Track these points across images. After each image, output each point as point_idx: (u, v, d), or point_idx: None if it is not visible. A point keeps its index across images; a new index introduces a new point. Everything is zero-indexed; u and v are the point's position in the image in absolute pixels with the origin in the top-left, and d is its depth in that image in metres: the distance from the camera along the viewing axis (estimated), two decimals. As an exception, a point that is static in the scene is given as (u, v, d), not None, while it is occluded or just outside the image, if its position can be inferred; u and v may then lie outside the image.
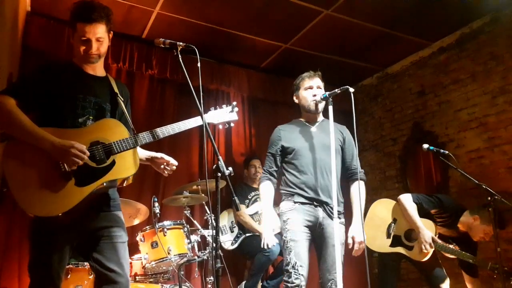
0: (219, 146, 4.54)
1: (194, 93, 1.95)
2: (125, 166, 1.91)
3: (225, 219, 4.12)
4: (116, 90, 2.11)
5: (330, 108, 2.49)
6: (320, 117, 2.74)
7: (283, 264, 2.51)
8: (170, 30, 4.08)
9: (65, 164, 1.77)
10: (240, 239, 3.97)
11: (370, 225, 3.22)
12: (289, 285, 2.39)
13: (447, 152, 3.09)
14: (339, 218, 2.39)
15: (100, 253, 1.92)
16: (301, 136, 2.65)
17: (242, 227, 3.99)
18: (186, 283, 2.93)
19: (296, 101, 2.76)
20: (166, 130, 2.02)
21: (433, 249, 2.99)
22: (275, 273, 3.93)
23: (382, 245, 3.18)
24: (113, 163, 1.89)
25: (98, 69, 2.08)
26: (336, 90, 2.48)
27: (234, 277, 4.12)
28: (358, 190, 2.56)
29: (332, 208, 2.41)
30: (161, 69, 4.23)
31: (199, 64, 1.97)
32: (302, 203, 2.51)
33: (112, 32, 2.07)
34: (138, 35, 4.09)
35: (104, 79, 2.11)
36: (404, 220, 3.16)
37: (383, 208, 3.29)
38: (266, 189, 2.62)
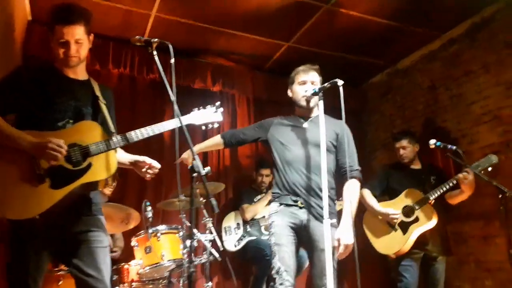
0: (224, 149, 4.47)
1: (170, 92, 1.90)
2: (101, 169, 1.87)
3: (232, 220, 4.06)
4: (98, 93, 2.07)
5: (321, 103, 2.37)
6: (314, 113, 2.60)
7: None
8: (169, 33, 4.03)
9: (40, 165, 1.73)
10: (244, 241, 3.89)
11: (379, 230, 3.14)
12: None
13: (454, 147, 2.92)
14: (331, 219, 2.22)
15: (79, 258, 1.88)
16: (290, 131, 2.55)
17: (247, 230, 3.91)
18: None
19: (290, 95, 2.65)
20: (140, 133, 1.98)
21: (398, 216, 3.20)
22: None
23: (399, 241, 3.10)
24: (89, 165, 1.85)
25: (79, 73, 2.06)
26: (326, 84, 2.36)
27: (240, 281, 4.03)
28: (349, 189, 2.43)
29: (322, 209, 2.23)
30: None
31: (172, 61, 1.93)
32: (287, 205, 2.40)
33: (92, 34, 2.05)
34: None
35: (85, 83, 2.08)
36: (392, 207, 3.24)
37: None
38: (213, 139, 2.76)
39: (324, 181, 2.17)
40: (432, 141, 3.06)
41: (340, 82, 2.28)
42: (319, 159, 2.23)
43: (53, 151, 1.72)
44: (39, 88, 1.88)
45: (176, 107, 1.89)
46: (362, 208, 3.53)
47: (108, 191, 3.48)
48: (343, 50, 4.51)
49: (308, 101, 2.52)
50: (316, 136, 2.40)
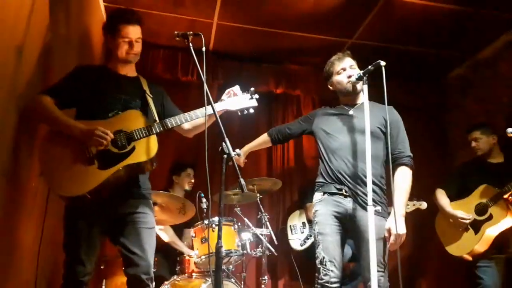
0: (288, 149, 4.49)
1: (205, 83, 2.00)
2: (142, 152, 2.05)
3: (296, 218, 4.05)
4: (146, 88, 2.28)
5: (365, 87, 2.30)
6: (360, 99, 2.51)
7: (357, 267, 2.35)
8: (233, 39, 4.24)
9: (90, 149, 1.96)
10: (310, 241, 3.83)
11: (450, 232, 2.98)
12: (318, 281, 2.22)
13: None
14: (375, 206, 2.11)
15: (126, 237, 2.06)
16: (335, 119, 2.50)
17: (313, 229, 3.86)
18: (231, 279, 2.91)
19: (332, 88, 2.61)
20: (175, 121, 2.14)
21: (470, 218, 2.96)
22: (351, 276, 3.69)
23: (471, 241, 2.88)
24: (133, 149, 2.04)
25: (129, 71, 2.30)
26: (369, 67, 2.28)
27: (306, 280, 3.96)
28: (400, 177, 2.31)
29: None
30: (227, 80, 4.37)
31: (203, 48, 2.02)
32: (331, 193, 2.35)
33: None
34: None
35: (135, 79, 2.31)
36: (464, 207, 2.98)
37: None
38: (263, 136, 2.79)
39: (368, 165, 2.10)
40: (510, 130, 2.74)
41: (382, 63, 2.19)
42: (365, 146, 2.15)
43: (99, 137, 1.94)
44: (93, 85, 2.14)
45: (208, 93, 1.99)
46: (436, 209, 3.30)
47: (188, 186, 3.72)
48: (413, 43, 4.27)
49: (354, 86, 2.46)
50: (363, 123, 2.30)
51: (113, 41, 2.21)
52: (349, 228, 2.32)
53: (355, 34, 4.12)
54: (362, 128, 2.34)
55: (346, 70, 2.49)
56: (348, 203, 2.30)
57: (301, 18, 3.87)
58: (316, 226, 2.36)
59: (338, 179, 2.35)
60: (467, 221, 2.93)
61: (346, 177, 2.33)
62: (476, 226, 2.89)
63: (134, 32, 2.18)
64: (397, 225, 2.17)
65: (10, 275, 1.93)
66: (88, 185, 1.92)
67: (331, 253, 2.25)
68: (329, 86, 2.62)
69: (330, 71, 2.57)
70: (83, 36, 3.02)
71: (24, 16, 1.90)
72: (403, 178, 2.32)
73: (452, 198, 3.17)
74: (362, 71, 2.34)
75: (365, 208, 2.20)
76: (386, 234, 2.23)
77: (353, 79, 2.42)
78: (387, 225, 2.24)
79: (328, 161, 2.42)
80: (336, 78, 2.53)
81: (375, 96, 2.46)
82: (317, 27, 4.03)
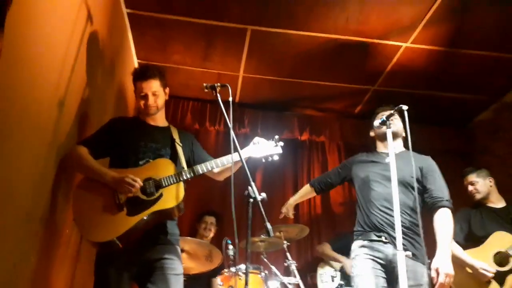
0: (315, 197, 4.46)
1: (231, 130, 2.08)
2: (170, 198, 2.11)
3: (326, 266, 3.93)
4: (175, 137, 2.39)
5: (389, 131, 2.33)
6: (397, 148, 2.54)
7: None
8: (257, 91, 4.41)
9: (120, 196, 2.04)
10: (341, 291, 3.70)
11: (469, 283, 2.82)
12: None
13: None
14: (410, 252, 2.06)
15: (154, 284, 2.08)
16: (371, 167, 2.55)
17: (345, 278, 3.73)
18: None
19: (372, 135, 2.72)
20: (201, 168, 2.21)
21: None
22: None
23: None
24: (161, 195, 2.11)
25: (159, 121, 2.42)
26: (391, 111, 2.33)
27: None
28: (441, 218, 2.32)
29: (409, 244, 2.22)
30: (252, 128, 4.53)
31: (230, 98, 2.11)
32: (371, 241, 2.35)
33: (167, 88, 2.41)
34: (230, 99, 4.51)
35: (165, 129, 2.43)
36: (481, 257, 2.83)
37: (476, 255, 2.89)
38: (305, 187, 2.87)
39: (396, 206, 2.07)
40: None
41: (405, 107, 2.24)
42: (403, 196, 2.23)
43: (128, 184, 2.03)
44: (126, 134, 2.27)
45: (235, 140, 2.06)
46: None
47: (205, 238, 3.74)
48: (437, 88, 4.32)
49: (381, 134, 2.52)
50: (400, 172, 2.35)
51: (135, 97, 2.37)
52: (389, 274, 2.30)
53: (377, 81, 4.21)
54: (399, 177, 2.36)
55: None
56: (387, 249, 2.30)
57: (323, 68, 4.02)
58: (354, 269, 2.35)
59: (376, 228, 2.38)
60: (490, 275, 2.76)
61: (385, 225, 2.36)
62: (500, 278, 2.73)
63: (147, 87, 2.28)
64: (444, 263, 2.18)
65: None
66: (117, 231, 1.98)
67: None
68: (371, 133, 2.71)
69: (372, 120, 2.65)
70: (118, 90, 3.24)
71: (66, 73, 2.08)
72: (445, 219, 2.33)
73: (461, 245, 3.00)
74: (385, 115, 2.38)
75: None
76: (433, 275, 2.21)
77: (376, 123, 2.46)
78: (434, 265, 2.21)
79: (366, 210, 2.46)
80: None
81: (403, 142, 2.53)
82: (339, 76, 4.16)
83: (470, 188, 3.19)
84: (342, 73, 4.10)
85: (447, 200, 2.38)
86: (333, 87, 4.31)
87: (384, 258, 2.30)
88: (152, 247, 2.13)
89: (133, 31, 3.61)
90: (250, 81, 4.26)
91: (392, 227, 2.28)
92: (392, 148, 2.26)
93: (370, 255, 2.31)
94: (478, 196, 3.13)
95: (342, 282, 3.73)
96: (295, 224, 3.72)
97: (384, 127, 2.45)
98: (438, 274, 2.18)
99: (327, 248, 3.85)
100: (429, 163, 2.50)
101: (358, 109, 4.71)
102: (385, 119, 2.36)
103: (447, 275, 2.16)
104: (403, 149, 2.64)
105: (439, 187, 2.43)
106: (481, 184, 3.15)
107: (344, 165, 2.78)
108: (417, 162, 2.43)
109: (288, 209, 2.93)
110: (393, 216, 2.25)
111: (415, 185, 2.17)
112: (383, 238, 2.32)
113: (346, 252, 3.58)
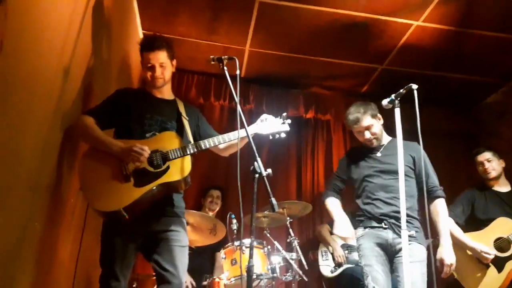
0: (318, 172, 4.49)
1: (238, 105, 2.06)
2: (176, 172, 2.10)
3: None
4: (182, 110, 2.36)
5: (397, 110, 2.30)
6: (385, 140, 2.67)
7: None
8: (263, 66, 4.34)
9: (127, 166, 2.03)
10: (341, 269, 3.73)
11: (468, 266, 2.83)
12: None
13: None
14: (409, 230, 2.08)
15: (159, 254, 2.09)
16: (365, 163, 2.62)
17: (345, 256, 3.76)
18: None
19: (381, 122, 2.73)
20: (208, 143, 2.19)
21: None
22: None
23: (494, 280, 2.70)
24: (167, 168, 2.09)
25: (165, 93, 2.38)
26: (401, 90, 2.29)
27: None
28: (439, 209, 2.48)
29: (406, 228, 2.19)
30: (257, 104, 4.49)
31: (237, 72, 2.07)
32: (372, 227, 2.50)
33: (175, 59, 2.36)
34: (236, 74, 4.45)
35: (171, 102, 2.39)
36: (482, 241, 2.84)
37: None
38: (332, 201, 2.69)
39: (402, 186, 2.09)
40: None
41: (414, 86, 2.21)
42: (397, 185, 2.20)
43: (136, 153, 2.01)
44: (132, 106, 2.24)
45: (242, 115, 2.03)
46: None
47: (211, 212, 3.76)
48: (446, 69, 4.25)
49: (371, 142, 2.62)
50: (390, 164, 2.52)
51: (142, 68, 2.32)
52: (391, 256, 2.44)
53: (386, 60, 4.14)
54: (390, 169, 2.52)
55: (361, 132, 2.63)
56: (387, 234, 2.44)
57: (331, 44, 3.94)
58: (362, 258, 2.49)
59: (376, 217, 2.49)
60: (491, 257, 2.77)
61: (384, 213, 2.48)
62: (499, 263, 2.74)
63: (155, 58, 2.23)
64: (448, 254, 2.39)
65: (47, 289, 1.99)
66: (124, 201, 1.98)
67: (380, 282, 2.35)
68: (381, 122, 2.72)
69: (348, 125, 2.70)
70: (123, 61, 3.19)
71: (71, 40, 2.03)
72: (443, 210, 2.50)
73: (461, 227, 3.01)
74: (394, 94, 2.35)
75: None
76: (438, 264, 2.40)
77: (384, 102, 2.42)
78: (439, 256, 2.41)
79: (364, 204, 2.55)
80: (355, 134, 2.69)
81: (408, 123, 2.48)
82: (347, 53, 4.08)
83: (487, 165, 3.12)
84: (350, 50, 4.03)
85: (440, 189, 2.54)
86: (340, 65, 4.24)
87: (384, 243, 2.44)
88: (158, 219, 2.13)
89: (138, 1, 3.53)
90: (256, 56, 4.19)
91: (391, 216, 2.45)
92: (400, 129, 2.25)
93: (373, 243, 2.45)
94: (494, 174, 3.09)
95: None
96: (298, 201, 3.73)
97: (382, 134, 2.63)
98: (443, 265, 2.38)
99: (323, 230, 3.86)
100: (419, 151, 2.51)
101: (365, 88, 4.65)
102: (393, 98, 2.34)
103: (451, 265, 2.37)
104: (389, 138, 2.71)
105: (431, 175, 2.57)
106: (496, 163, 3.12)
107: (340, 170, 2.80)
108: (407, 150, 2.51)
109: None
110: (391, 205, 2.47)
111: (401, 171, 2.13)
112: (383, 225, 2.45)
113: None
